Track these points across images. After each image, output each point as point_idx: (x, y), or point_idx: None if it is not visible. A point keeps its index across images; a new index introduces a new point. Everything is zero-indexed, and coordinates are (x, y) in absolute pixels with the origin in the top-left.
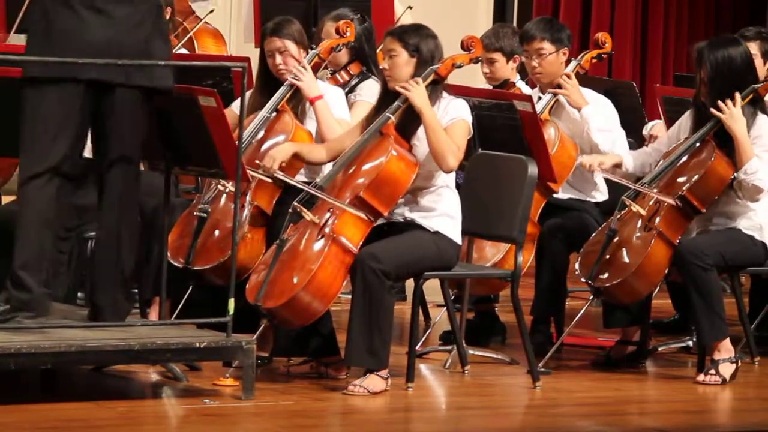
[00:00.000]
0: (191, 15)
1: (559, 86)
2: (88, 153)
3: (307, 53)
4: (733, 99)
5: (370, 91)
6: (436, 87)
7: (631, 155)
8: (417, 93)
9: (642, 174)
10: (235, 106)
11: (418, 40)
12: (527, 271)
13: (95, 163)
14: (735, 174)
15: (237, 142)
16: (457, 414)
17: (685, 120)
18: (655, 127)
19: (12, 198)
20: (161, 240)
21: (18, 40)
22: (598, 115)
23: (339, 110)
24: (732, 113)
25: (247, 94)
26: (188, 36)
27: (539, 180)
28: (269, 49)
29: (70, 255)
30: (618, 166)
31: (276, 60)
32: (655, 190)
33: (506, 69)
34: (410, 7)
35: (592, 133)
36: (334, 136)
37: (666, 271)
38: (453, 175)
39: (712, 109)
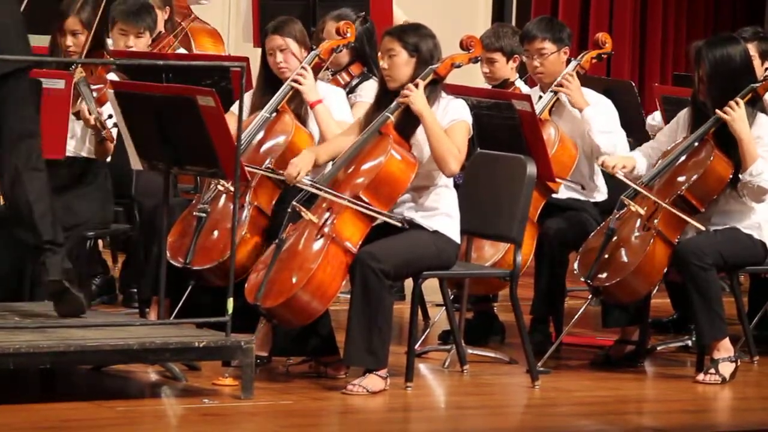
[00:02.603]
0: (190, 15)
1: (561, 84)
2: (87, 153)
3: (308, 53)
4: (733, 98)
5: (371, 92)
6: (436, 87)
7: (642, 157)
8: (416, 97)
9: None
10: (235, 108)
11: (417, 39)
12: (526, 270)
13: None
14: (740, 175)
15: (236, 142)
16: (456, 413)
17: (683, 118)
18: (656, 119)
19: None
20: (160, 240)
21: None
22: (599, 117)
23: (340, 112)
24: (737, 115)
25: (246, 94)
26: (180, 30)
27: (538, 180)
28: (270, 47)
29: (69, 254)
30: (632, 169)
31: (277, 58)
32: (654, 190)
33: (506, 69)
34: None
35: (594, 135)
36: None
37: (665, 271)
38: None
39: (718, 111)
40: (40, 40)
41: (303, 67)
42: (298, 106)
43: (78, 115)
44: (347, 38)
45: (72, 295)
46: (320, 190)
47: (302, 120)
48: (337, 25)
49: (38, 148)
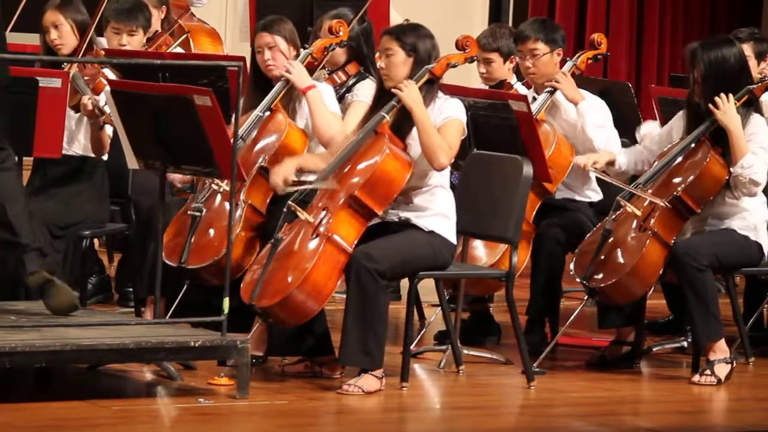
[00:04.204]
0: (187, 12)
1: (556, 81)
2: (82, 151)
3: (299, 52)
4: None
5: (367, 91)
6: (432, 86)
7: (623, 153)
8: (409, 92)
9: (635, 172)
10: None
11: (416, 39)
12: (522, 271)
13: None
14: (731, 169)
15: (232, 141)
16: (451, 414)
17: (678, 120)
18: (646, 127)
19: None
20: (157, 239)
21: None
22: (594, 111)
23: (328, 105)
24: (726, 109)
25: None
26: (177, 26)
27: (534, 180)
28: (259, 44)
29: (65, 253)
30: (611, 164)
31: (265, 55)
32: (650, 191)
33: (503, 69)
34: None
35: (588, 129)
36: (327, 126)
37: (661, 272)
38: (447, 174)
39: (710, 105)
40: (36, 39)
41: (289, 59)
42: (288, 104)
43: (76, 108)
44: (340, 37)
45: (58, 287)
46: (309, 184)
47: (292, 117)
48: (330, 23)
49: (7, 150)
